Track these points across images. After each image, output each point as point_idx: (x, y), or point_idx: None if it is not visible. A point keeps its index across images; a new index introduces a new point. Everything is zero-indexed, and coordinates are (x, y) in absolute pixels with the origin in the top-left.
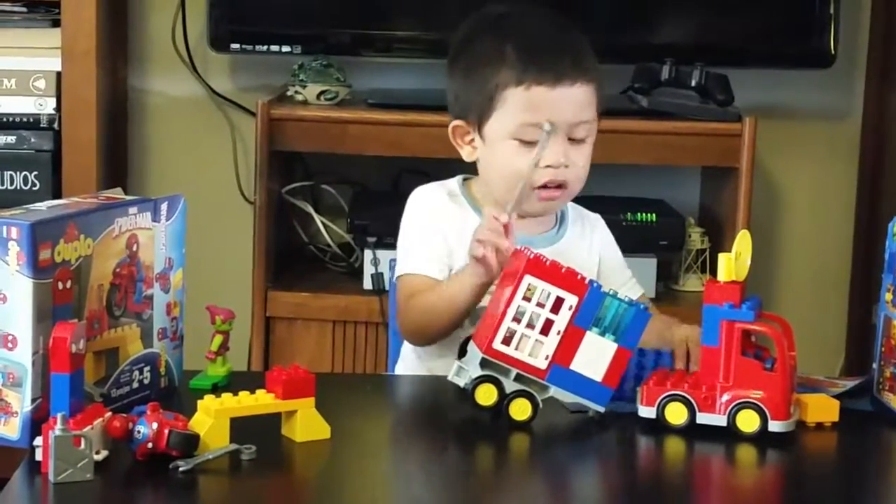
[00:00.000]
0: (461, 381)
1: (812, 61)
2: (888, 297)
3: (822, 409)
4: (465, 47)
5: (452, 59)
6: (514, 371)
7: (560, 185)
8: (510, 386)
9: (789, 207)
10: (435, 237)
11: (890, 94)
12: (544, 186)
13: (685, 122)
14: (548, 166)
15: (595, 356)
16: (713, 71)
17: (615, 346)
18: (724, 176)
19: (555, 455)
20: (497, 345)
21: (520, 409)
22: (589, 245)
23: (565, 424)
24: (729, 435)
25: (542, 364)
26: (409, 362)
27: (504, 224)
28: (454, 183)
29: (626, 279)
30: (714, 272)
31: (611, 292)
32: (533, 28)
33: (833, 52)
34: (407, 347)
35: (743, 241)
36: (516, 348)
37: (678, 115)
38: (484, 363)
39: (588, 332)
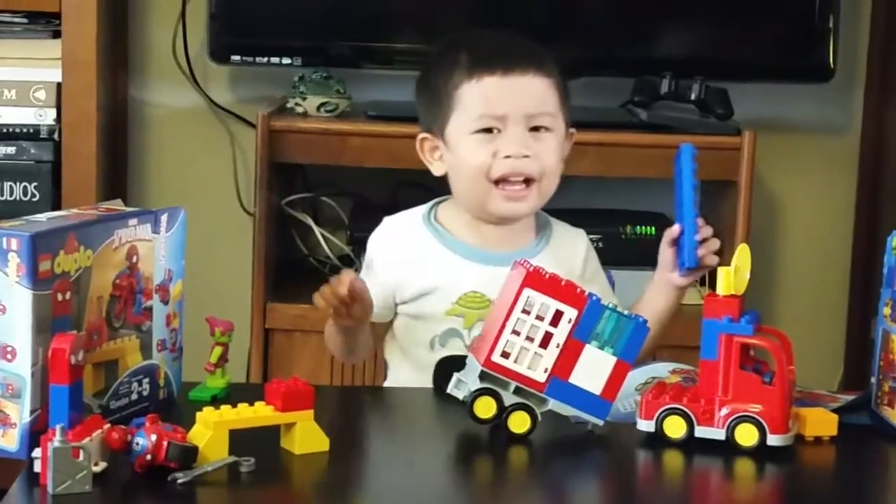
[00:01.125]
0: (460, 394)
1: (811, 75)
2: (886, 311)
3: (821, 423)
4: (426, 68)
5: (417, 82)
6: (513, 384)
7: (527, 181)
8: (509, 399)
9: (788, 221)
10: (375, 282)
11: (889, 108)
12: (506, 181)
13: (685, 136)
14: (507, 157)
15: (594, 369)
16: (713, 85)
17: (614, 359)
18: (723, 189)
19: (554, 468)
20: (496, 357)
21: (519, 422)
22: (570, 260)
23: (564, 437)
24: (728, 449)
25: (541, 377)
26: (399, 377)
27: (350, 282)
28: (422, 209)
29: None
30: (713, 286)
31: (610, 305)
32: (486, 37)
33: (832, 66)
34: (396, 366)
35: (742, 255)
36: (515, 361)
37: (678, 129)
38: (483, 376)
39: (587, 346)
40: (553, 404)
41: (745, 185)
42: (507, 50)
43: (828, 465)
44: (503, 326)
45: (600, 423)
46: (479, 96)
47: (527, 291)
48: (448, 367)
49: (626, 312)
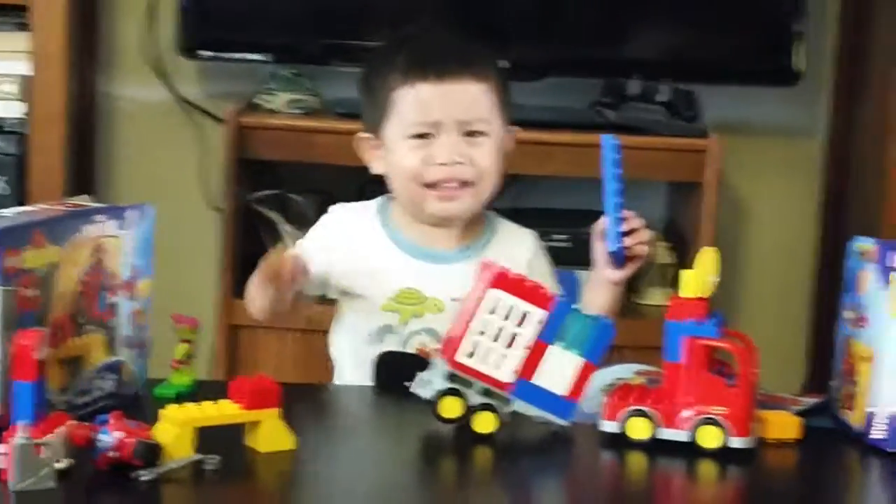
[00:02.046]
0: (425, 394)
1: (778, 79)
2: (848, 315)
3: (783, 426)
4: (366, 68)
5: (359, 81)
6: (479, 384)
7: (464, 184)
8: (474, 399)
9: (754, 224)
10: (316, 252)
11: (854, 112)
12: (439, 185)
13: (652, 138)
14: (440, 164)
15: (559, 370)
16: (681, 87)
17: (580, 360)
18: (689, 191)
19: (518, 468)
20: (461, 357)
21: (484, 423)
22: (512, 260)
23: (529, 438)
24: (691, 450)
25: (507, 377)
26: (343, 372)
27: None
28: (375, 202)
29: None
30: (679, 287)
31: (576, 307)
32: (423, 40)
33: (799, 69)
34: (340, 362)
35: (707, 259)
36: (481, 361)
37: (645, 130)
38: (448, 376)
39: (552, 346)
40: (518, 405)
41: (712, 187)
42: (441, 55)
43: (790, 467)
44: (469, 326)
45: (565, 423)
46: (413, 103)
47: (493, 292)
48: (386, 362)
49: (591, 314)
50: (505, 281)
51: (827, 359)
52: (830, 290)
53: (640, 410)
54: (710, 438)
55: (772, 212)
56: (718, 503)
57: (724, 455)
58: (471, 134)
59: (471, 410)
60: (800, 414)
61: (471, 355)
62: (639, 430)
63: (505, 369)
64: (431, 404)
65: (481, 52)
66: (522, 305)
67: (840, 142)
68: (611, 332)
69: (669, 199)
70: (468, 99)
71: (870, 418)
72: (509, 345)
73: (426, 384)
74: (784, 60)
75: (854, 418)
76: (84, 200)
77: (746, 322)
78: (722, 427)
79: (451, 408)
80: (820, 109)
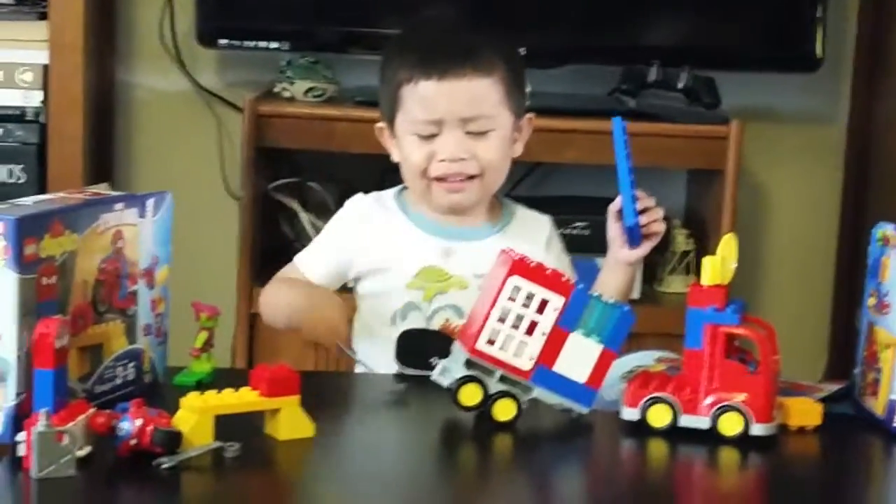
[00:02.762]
0: (445, 381)
1: (799, 65)
2: (871, 301)
3: (805, 413)
4: (382, 61)
5: (380, 70)
6: (499, 372)
7: (470, 177)
8: (494, 386)
9: (774, 211)
10: (336, 248)
11: (875, 98)
12: (446, 178)
13: (672, 125)
14: (442, 161)
15: (580, 357)
16: (700, 73)
17: (600, 347)
18: (709, 178)
19: (538, 456)
20: (481, 345)
21: (504, 410)
22: (530, 243)
23: (548, 426)
24: (711, 438)
25: (526, 365)
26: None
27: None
28: (392, 190)
29: None
30: (699, 274)
31: (595, 294)
32: (429, 35)
33: (820, 55)
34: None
35: (728, 245)
36: (501, 349)
37: (665, 118)
38: (468, 363)
39: (572, 334)
40: (538, 392)
41: (732, 173)
42: (444, 51)
43: (811, 454)
44: (489, 314)
45: (585, 411)
46: (417, 100)
47: (513, 279)
48: (409, 339)
49: (611, 301)
50: (524, 268)
51: (849, 346)
52: (852, 276)
53: (660, 398)
54: (731, 425)
55: (793, 199)
56: (740, 491)
57: (744, 442)
58: (475, 129)
59: (491, 398)
60: (822, 401)
61: (490, 343)
62: (659, 417)
63: (524, 357)
64: (451, 392)
65: (487, 43)
66: (542, 293)
67: (861, 128)
68: (631, 319)
69: (689, 186)
70: (471, 95)
71: (892, 405)
72: (529, 332)
73: (446, 372)
74: (804, 46)
75: (877, 405)
76: (103, 189)
77: (768, 309)
78: (743, 414)
79: (470, 395)
80: (841, 95)
